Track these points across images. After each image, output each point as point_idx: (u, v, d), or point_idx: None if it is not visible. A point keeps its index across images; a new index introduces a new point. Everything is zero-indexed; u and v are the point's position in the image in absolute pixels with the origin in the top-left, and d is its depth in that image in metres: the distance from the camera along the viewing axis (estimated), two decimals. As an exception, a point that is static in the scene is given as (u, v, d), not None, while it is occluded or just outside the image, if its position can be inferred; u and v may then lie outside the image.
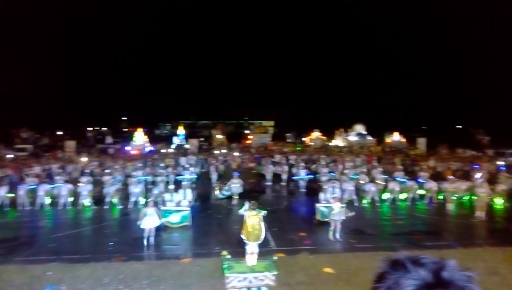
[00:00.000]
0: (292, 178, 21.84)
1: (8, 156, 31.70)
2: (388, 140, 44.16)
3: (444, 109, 54.09)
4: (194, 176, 21.49)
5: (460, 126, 55.63)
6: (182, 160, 27.21)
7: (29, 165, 24.70)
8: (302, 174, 20.90)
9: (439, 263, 1.04)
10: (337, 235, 11.55)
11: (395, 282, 1.03)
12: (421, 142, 39.89)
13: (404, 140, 42.82)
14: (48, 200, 16.42)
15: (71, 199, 16.45)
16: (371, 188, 16.90)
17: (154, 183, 17.94)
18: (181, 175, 20.80)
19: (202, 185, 21.55)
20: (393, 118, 51.23)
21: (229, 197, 17.02)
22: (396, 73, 62.10)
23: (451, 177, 17.94)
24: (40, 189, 16.41)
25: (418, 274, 1.00)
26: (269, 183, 22.27)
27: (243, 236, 8.82)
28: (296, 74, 73.26)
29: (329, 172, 21.42)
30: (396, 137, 43.57)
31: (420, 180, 18.33)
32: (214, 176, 22.21)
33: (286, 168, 23.26)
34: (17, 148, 37.89)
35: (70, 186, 16.88)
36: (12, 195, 16.43)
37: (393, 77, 62.90)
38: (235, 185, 16.71)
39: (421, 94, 58.59)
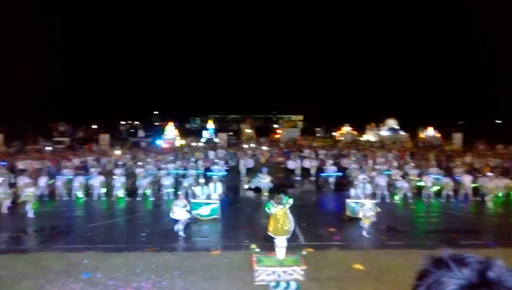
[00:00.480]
0: (320, 175, 21.54)
1: (47, 148, 33.21)
2: (422, 135, 42.77)
3: (482, 102, 51.60)
4: (224, 172, 21.15)
5: (500, 121, 52.99)
6: (211, 154, 27.52)
7: (66, 157, 25.74)
8: (330, 171, 20.34)
9: (484, 263, 0.99)
10: (365, 233, 11.32)
11: (436, 281, 0.98)
12: (457, 138, 38.30)
13: (439, 135, 41.33)
14: (83, 191, 17.10)
15: (105, 190, 17.05)
16: (403, 184, 16.45)
17: (184, 176, 18.21)
18: (211, 171, 20.52)
19: (231, 179, 21.73)
20: (427, 112, 49.46)
21: (258, 190, 16.97)
22: (431, 65, 59.86)
23: (490, 173, 17.16)
24: (76, 180, 17.11)
25: (462, 273, 0.95)
26: (298, 178, 22.19)
27: (270, 233, 8.83)
28: (326, 67, 72.00)
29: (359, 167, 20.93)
30: (430, 132, 42.12)
31: (456, 177, 17.66)
32: (243, 171, 22.42)
33: (315, 163, 23.09)
34: (55, 140, 39.57)
35: (103, 178, 17.49)
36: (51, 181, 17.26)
37: (428, 70, 60.69)
38: (264, 181, 16.44)
39: (458, 87, 56.16)
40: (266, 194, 16.12)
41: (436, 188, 16.76)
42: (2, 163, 22.77)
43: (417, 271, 1.08)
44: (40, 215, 14.17)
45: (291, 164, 23.79)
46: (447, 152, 30.39)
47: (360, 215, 11.46)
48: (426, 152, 29.17)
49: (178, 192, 12.35)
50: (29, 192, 14.22)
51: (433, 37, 60.19)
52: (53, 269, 8.72)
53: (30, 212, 13.87)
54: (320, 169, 22.03)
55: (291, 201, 9.04)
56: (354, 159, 23.45)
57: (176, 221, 11.56)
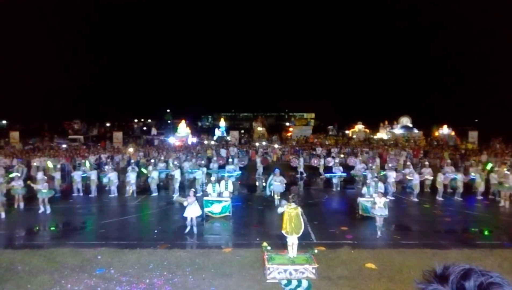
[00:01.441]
0: (325, 175, 21.13)
1: (62, 145, 33.78)
2: (436, 133, 42.15)
3: (499, 100, 50.52)
4: (239, 172, 20.61)
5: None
6: (222, 152, 27.62)
7: (80, 154, 26.14)
8: (335, 171, 19.17)
9: (466, 276, 1.00)
10: (379, 232, 11.20)
11: None
12: (473, 136, 37.65)
13: (453, 133, 40.68)
14: (96, 188, 17.34)
15: (117, 187, 17.26)
16: (417, 183, 16.23)
17: (196, 173, 18.28)
18: (224, 169, 19.92)
19: (243, 177, 21.77)
20: (442, 109, 48.66)
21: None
22: (446, 62, 58.87)
23: (507, 172, 16.79)
24: (90, 177, 17.39)
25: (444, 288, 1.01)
26: (300, 176, 22.53)
27: (283, 230, 8.82)
28: (339, 64, 71.51)
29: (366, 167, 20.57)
30: (445, 130, 41.49)
31: (471, 176, 17.33)
32: (260, 169, 22.47)
33: (323, 161, 23.11)
34: (70, 138, 40.18)
35: (117, 175, 17.72)
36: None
37: (444, 67, 59.71)
38: (277, 183, 15.29)
39: (474, 84, 55.07)
40: (278, 197, 14.98)
41: (451, 187, 16.48)
42: (18, 159, 23.26)
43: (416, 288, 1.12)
44: (54, 212, 14.43)
45: (293, 162, 23.86)
46: (462, 150, 29.87)
47: (375, 213, 11.32)
48: (441, 150, 28.73)
49: (189, 190, 12.37)
50: (43, 188, 14.49)
51: (449, 33, 59.15)
52: (68, 264, 8.87)
53: (45, 208, 14.15)
54: (328, 168, 21.79)
55: (299, 209, 9.03)
56: (360, 158, 23.19)
57: (186, 219, 11.64)
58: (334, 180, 18.96)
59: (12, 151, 29.17)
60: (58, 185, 17.01)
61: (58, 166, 19.52)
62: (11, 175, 16.33)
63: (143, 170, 18.55)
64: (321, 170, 22.37)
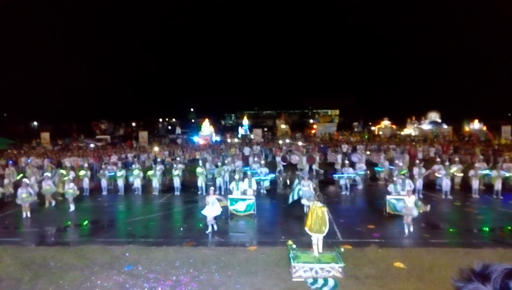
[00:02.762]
0: (332, 176, 19.12)
1: (90, 145, 34.76)
2: (467, 128, 40.74)
3: (533, 93, 48.14)
4: (272, 176, 17.93)
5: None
6: (246, 150, 27.66)
7: (107, 154, 26.80)
8: (344, 172, 17.25)
9: (509, 275, 0.98)
10: (410, 229, 10.89)
11: None
12: (506, 130, 36.12)
13: (485, 128, 39.17)
14: (123, 187, 17.73)
15: (143, 186, 17.59)
16: (445, 179, 15.71)
17: (220, 172, 18.36)
18: (254, 172, 17.51)
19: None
20: (472, 104, 46.90)
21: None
22: (476, 53, 56.68)
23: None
24: (117, 176, 17.79)
25: (486, 287, 0.99)
26: (301, 173, 21.80)
27: (307, 228, 8.71)
28: (364, 58, 70.16)
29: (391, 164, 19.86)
30: (476, 125, 40.03)
31: (504, 172, 16.59)
32: (280, 166, 22.25)
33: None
34: (97, 138, 41.28)
35: (143, 174, 18.05)
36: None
37: (472, 58, 57.50)
38: (305, 188, 13.52)
39: (506, 77, 52.72)
40: (306, 202, 13.12)
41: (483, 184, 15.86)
42: (48, 160, 24.08)
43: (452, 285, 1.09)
44: (83, 210, 14.86)
45: (294, 159, 23.51)
46: (495, 146, 28.71)
47: (404, 212, 11.01)
48: (472, 146, 27.73)
49: (210, 189, 12.36)
50: (71, 188, 14.96)
51: (481, 22, 56.85)
52: (97, 261, 9.09)
53: (69, 206, 14.60)
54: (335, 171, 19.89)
55: (325, 207, 8.85)
56: (384, 155, 22.56)
57: (207, 217, 11.66)
58: (342, 181, 17.14)
59: (43, 151, 30.22)
60: (86, 183, 17.45)
61: (86, 165, 20.05)
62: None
63: (173, 172, 18.22)
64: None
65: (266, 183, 17.17)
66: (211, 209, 11.51)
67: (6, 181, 16.89)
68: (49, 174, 16.74)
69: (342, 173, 17.37)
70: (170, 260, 9.04)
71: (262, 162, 19.65)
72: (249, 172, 16.14)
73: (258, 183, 16.32)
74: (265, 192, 16.97)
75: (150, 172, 17.70)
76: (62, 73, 56.79)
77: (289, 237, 10.35)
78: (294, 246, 9.03)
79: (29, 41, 57.04)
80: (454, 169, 16.69)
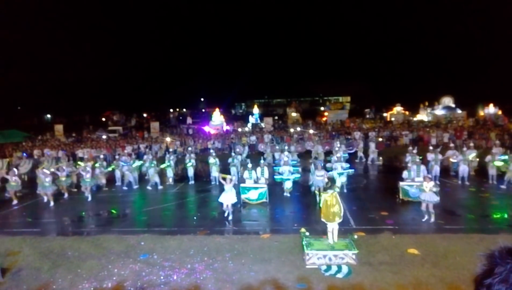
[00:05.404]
0: (328, 172, 15.19)
1: (102, 136, 35.17)
2: (481, 112, 39.91)
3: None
4: (294, 177, 15.35)
5: None
6: (253, 138, 27.72)
7: (120, 145, 27.09)
8: (339, 168, 15.03)
9: None
10: (431, 218, 10.69)
11: (509, 272, 0.96)
12: (522, 114, 35.29)
13: (500, 112, 38.30)
14: (137, 177, 17.92)
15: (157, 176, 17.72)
16: (462, 165, 15.48)
17: (232, 160, 18.39)
18: (276, 169, 16.47)
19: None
20: (487, 87, 45.79)
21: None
22: (489, 35, 55.17)
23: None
24: (133, 167, 17.96)
25: None
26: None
27: (322, 218, 8.73)
28: (374, 43, 68.94)
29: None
30: (491, 109, 39.16)
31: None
32: (322, 157, 21.08)
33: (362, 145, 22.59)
34: (110, 130, 41.68)
35: (155, 164, 18.17)
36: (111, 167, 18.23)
37: (486, 40, 55.99)
38: (319, 178, 13.22)
39: (522, 59, 51.25)
40: (317, 192, 12.96)
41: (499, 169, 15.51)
42: (62, 151, 24.46)
43: (479, 269, 1.05)
44: (98, 200, 15.13)
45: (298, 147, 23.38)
46: (511, 130, 28.12)
47: (422, 198, 10.87)
48: (487, 131, 27.22)
49: (226, 177, 12.45)
50: (87, 178, 15.26)
51: (493, 5, 55.21)
52: (114, 250, 9.27)
53: (89, 196, 14.94)
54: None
55: (337, 188, 8.84)
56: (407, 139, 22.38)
57: (223, 205, 11.84)
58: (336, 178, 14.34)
59: (58, 143, 30.70)
60: (101, 174, 17.67)
61: (101, 156, 20.26)
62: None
63: (186, 161, 18.01)
64: (360, 154, 21.77)
65: (288, 185, 14.61)
66: (227, 197, 11.63)
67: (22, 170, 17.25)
68: (63, 165, 17.02)
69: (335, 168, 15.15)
70: (185, 248, 9.17)
71: (286, 158, 16.16)
72: (262, 161, 15.98)
73: (280, 182, 15.11)
74: (288, 195, 14.47)
75: (163, 165, 17.74)
76: (73, 66, 57.35)
77: (301, 225, 10.39)
78: (307, 233, 9.06)
79: (40, 35, 57.56)
80: (472, 155, 16.42)
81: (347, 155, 20.06)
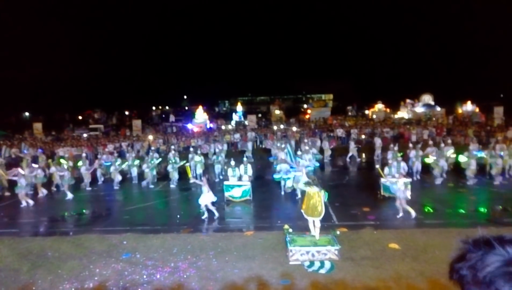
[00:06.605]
0: (272, 177, 15.42)
1: (83, 135, 34.52)
2: (459, 110, 40.93)
3: (525, 73, 48.26)
4: (310, 167, 15.17)
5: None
6: (236, 136, 27.70)
7: (101, 143, 26.64)
8: (285, 171, 14.51)
9: None
10: (411, 214, 10.85)
11: (480, 260, 1.00)
12: (498, 112, 36.32)
13: (477, 109, 39.36)
14: (119, 176, 17.65)
15: (138, 175, 17.56)
16: (440, 161, 15.86)
17: (216, 158, 18.30)
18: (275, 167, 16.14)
19: (262, 160, 21.74)
20: (465, 85, 46.96)
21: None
22: (467, 35, 56.49)
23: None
24: (112, 165, 17.69)
25: (506, 250, 0.98)
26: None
27: (303, 211, 8.81)
28: (356, 42, 69.72)
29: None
30: (469, 106, 40.21)
31: (496, 153, 16.71)
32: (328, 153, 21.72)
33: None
34: (90, 128, 40.95)
35: (138, 162, 17.99)
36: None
37: (464, 40, 57.34)
38: (299, 173, 12.87)
39: (497, 58, 52.75)
40: (301, 187, 11.36)
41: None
42: (39, 150, 23.92)
43: (454, 253, 1.09)
44: (79, 199, 14.86)
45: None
46: (488, 127, 28.94)
47: (396, 194, 11.12)
48: (465, 128, 27.94)
49: (202, 177, 12.38)
50: (65, 177, 15.03)
51: (473, 6, 56.57)
52: (95, 250, 9.13)
53: (69, 194, 14.73)
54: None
55: (326, 194, 8.88)
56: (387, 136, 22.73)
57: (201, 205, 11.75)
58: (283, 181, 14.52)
59: (34, 142, 29.94)
60: (83, 173, 17.31)
61: (83, 154, 19.83)
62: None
63: (171, 160, 17.53)
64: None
65: (289, 183, 14.29)
66: (205, 197, 11.56)
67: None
68: (41, 164, 16.67)
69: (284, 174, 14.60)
70: (168, 247, 9.10)
71: (283, 157, 15.55)
72: (244, 158, 15.97)
73: (278, 182, 14.75)
74: (288, 191, 14.34)
75: (144, 166, 17.26)
76: (52, 63, 55.98)
77: (285, 222, 10.47)
78: (290, 230, 9.14)
79: (18, 32, 56.02)
80: (450, 151, 16.81)
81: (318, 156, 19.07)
